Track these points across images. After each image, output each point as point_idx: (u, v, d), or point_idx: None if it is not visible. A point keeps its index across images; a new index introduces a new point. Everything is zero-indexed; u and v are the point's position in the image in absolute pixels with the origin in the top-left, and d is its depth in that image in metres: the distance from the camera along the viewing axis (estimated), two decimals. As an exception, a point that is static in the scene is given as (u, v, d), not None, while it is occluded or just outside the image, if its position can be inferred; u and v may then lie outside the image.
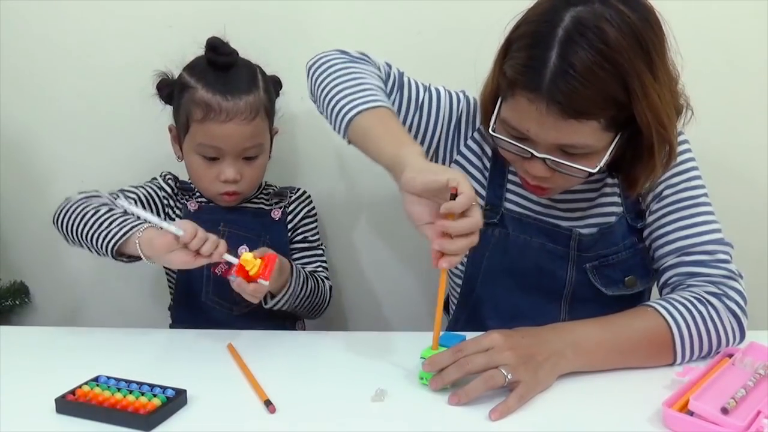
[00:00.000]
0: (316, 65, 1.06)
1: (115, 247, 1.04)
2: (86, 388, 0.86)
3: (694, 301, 0.95)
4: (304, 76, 1.11)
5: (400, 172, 0.85)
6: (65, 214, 1.11)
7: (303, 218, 1.32)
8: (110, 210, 1.10)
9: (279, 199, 1.31)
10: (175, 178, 1.29)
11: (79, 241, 1.10)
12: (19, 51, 1.47)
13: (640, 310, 0.96)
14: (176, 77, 1.23)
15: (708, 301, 0.95)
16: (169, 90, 1.22)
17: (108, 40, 1.44)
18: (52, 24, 1.45)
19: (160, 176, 1.28)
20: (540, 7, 0.90)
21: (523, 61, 0.89)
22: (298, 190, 1.33)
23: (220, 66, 1.19)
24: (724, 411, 0.76)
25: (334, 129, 1.00)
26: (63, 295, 1.60)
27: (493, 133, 0.96)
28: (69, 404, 0.83)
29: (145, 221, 1.04)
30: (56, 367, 0.97)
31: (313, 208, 1.34)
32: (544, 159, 0.92)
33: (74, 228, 1.09)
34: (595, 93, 0.85)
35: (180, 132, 1.22)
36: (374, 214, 1.53)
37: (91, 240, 1.07)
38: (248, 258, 0.99)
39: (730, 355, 0.92)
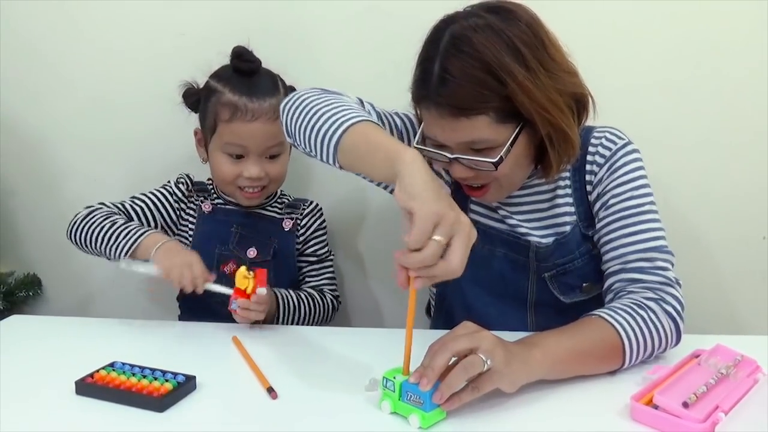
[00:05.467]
0: (289, 103, 1.03)
1: (127, 256, 1.16)
2: (103, 372, 0.92)
3: (635, 308, 1.00)
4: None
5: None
6: (76, 232, 1.23)
7: (314, 231, 1.39)
8: (113, 223, 1.20)
9: (291, 210, 1.37)
10: (190, 180, 1.35)
11: (94, 252, 1.22)
12: (34, 55, 1.52)
13: (591, 320, 0.99)
14: (201, 86, 1.31)
15: (648, 306, 1.00)
16: (194, 98, 1.30)
17: (122, 45, 1.50)
18: (66, 27, 1.50)
19: (174, 180, 1.34)
20: (432, 29, 1.02)
21: (417, 76, 1.03)
22: (311, 203, 1.40)
23: (245, 72, 1.28)
24: (685, 405, 0.83)
25: (322, 159, 0.96)
26: (74, 287, 1.66)
27: (418, 146, 1.04)
28: (88, 386, 0.90)
29: (146, 229, 1.19)
30: (74, 354, 1.03)
31: (324, 221, 1.41)
32: (457, 159, 1.01)
33: (86, 243, 1.22)
34: (472, 89, 0.95)
35: (206, 134, 1.30)
36: (384, 222, 1.56)
37: (106, 252, 1.19)
38: (242, 273, 1.11)
39: (698, 356, 0.98)
